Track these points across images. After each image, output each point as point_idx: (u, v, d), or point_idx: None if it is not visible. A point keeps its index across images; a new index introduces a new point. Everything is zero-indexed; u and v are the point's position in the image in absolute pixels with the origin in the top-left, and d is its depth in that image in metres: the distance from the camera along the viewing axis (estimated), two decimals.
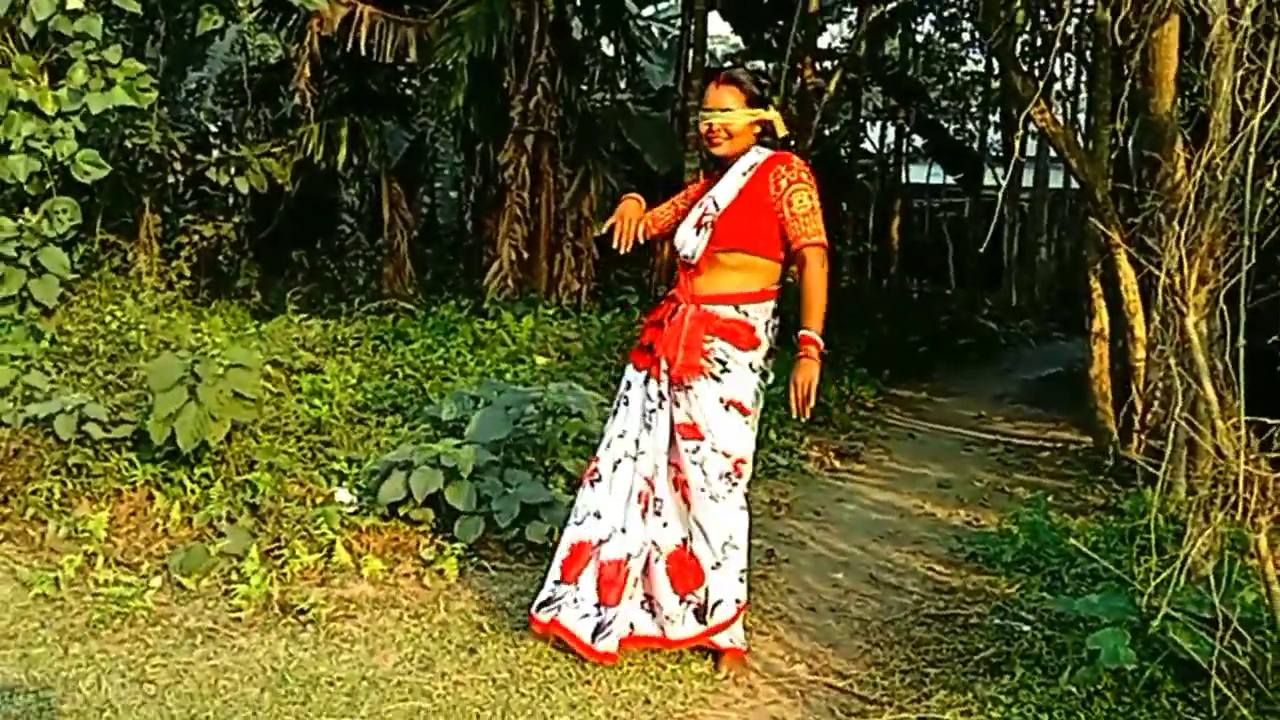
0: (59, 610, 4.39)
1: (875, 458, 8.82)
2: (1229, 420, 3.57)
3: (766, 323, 4.02)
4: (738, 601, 4.07)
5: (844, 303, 15.82)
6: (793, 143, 4.14)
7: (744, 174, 4.02)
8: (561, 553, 4.16)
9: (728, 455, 3.97)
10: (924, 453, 9.17)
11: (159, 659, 3.99)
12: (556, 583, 4.13)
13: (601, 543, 4.07)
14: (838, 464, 8.34)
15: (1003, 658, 4.30)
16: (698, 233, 4.04)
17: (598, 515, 4.11)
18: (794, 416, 3.86)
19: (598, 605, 4.05)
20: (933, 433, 10.24)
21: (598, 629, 4.03)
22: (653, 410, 4.10)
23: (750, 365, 3.99)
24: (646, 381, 4.13)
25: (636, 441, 4.12)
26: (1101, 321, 8.93)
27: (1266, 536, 3.40)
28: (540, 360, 9.05)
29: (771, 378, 4.11)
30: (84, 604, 4.43)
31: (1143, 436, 7.62)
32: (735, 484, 4.00)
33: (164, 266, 10.05)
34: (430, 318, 10.68)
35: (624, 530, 4.08)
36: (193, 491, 5.41)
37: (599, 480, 4.15)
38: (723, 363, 3.95)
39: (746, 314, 3.98)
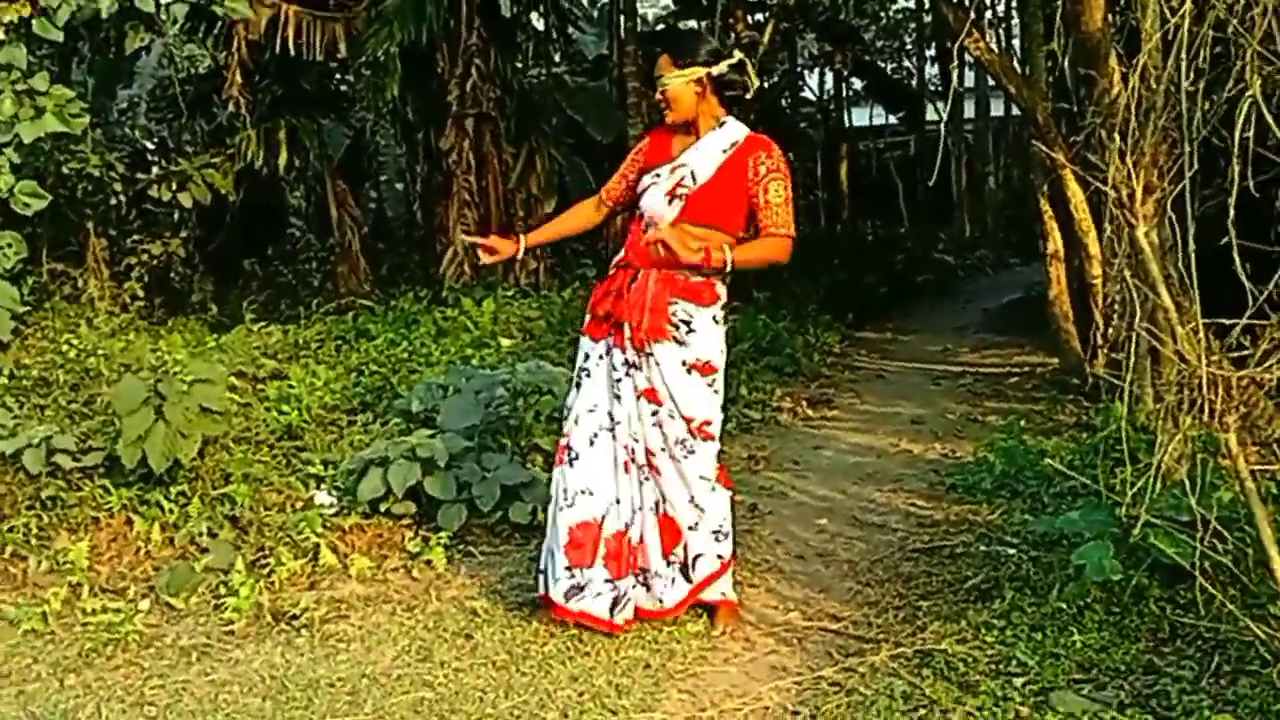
0: (50, 644, 4.36)
1: (847, 402, 8.87)
2: (1188, 326, 3.61)
3: (724, 277, 4.05)
4: (719, 557, 4.10)
5: (800, 252, 15.87)
6: (751, 90, 4.11)
7: (724, 151, 4.00)
8: (562, 538, 4.05)
9: (689, 419, 3.98)
10: (894, 392, 9.24)
11: (156, 680, 3.98)
12: (570, 568, 4.04)
13: (603, 518, 4.07)
14: (811, 412, 8.39)
15: (991, 583, 4.36)
16: (669, 202, 4.03)
17: (589, 493, 4.06)
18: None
19: (608, 580, 4.07)
20: (901, 371, 10.31)
21: (614, 603, 4.06)
22: (618, 380, 4.08)
23: (714, 319, 4.02)
24: (609, 351, 4.11)
25: (610, 414, 4.10)
26: (1055, 243, 9.01)
27: (1235, 435, 3.45)
28: (505, 342, 9.05)
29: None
30: (74, 635, 4.40)
31: (1106, 351, 7.69)
32: (695, 449, 4.00)
33: (116, 289, 9.96)
34: (390, 312, 10.63)
35: (618, 501, 4.08)
36: (171, 511, 5.38)
37: (577, 458, 4.10)
38: (687, 323, 3.96)
39: (705, 274, 3.99)
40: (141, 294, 10.06)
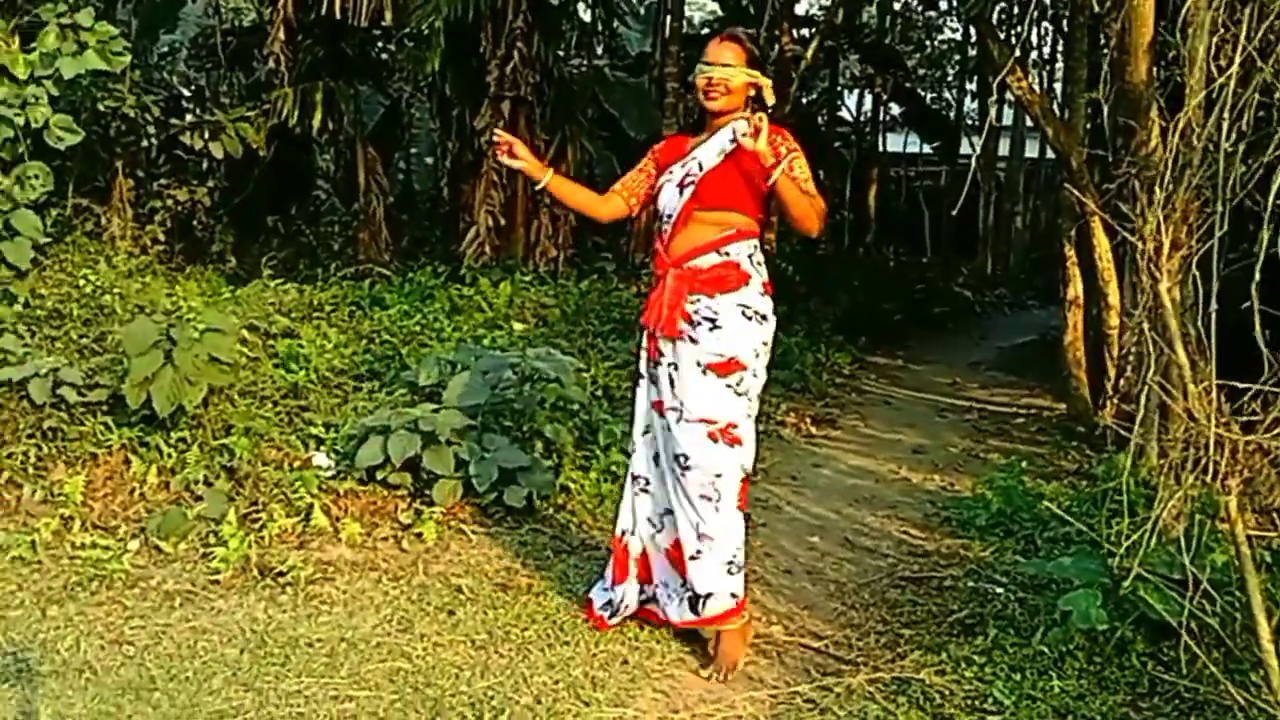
0: (36, 573, 4.38)
1: (851, 424, 8.87)
2: (1200, 385, 3.60)
3: (750, 255, 3.91)
4: (734, 596, 3.88)
5: (820, 270, 15.86)
6: (769, 109, 4.10)
7: (732, 140, 3.92)
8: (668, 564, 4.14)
9: (708, 421, 3.84)
10: (899, 419, 9.23)
11: (137, 621, 4.00)
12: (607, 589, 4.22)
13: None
14: (814, 430, 8.39)
15: (976, 619, 4.36)
16: (680, 192, 4.02)
17: (670, 513, 4.07)
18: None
19: (610, 585, 4.17)
20: (908, 399, 10.30)
21: (608, 604, 4.16)
22: (645, 385, 4.11)
23: (743, 311, 3.87)
24: (646, 366, 4.11)
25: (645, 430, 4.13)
26: (1076, 289, 8.99)
27: (1236, 499, 3.45)
28: (518, 326, 9.05)
29: (771, 323, 3.96)
30: (61, 567, 4.43)
31: (1116, 402, 7.69)
32: (693, 464, 3.84)
33: (138, 231, 10.00)
34: (407, 283, 10.63)
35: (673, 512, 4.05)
36: (169, 455, 5.40)
37: (648, 484, 4.15)
38: (710, 319, 3.86)
39: (728, 254, 3.89)
40: (163, 238, 10.09)
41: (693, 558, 3.90)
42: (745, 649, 4.01)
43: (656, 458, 4.07)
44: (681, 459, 3.88)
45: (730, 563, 3.88)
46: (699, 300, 3.89)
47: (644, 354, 4.09)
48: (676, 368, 3.92)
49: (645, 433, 4.08)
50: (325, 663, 3.74)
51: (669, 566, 4.05)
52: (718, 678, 3.83)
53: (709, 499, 3.85)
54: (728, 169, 3.94)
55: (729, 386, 3.86)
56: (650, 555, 4.11)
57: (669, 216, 4.02)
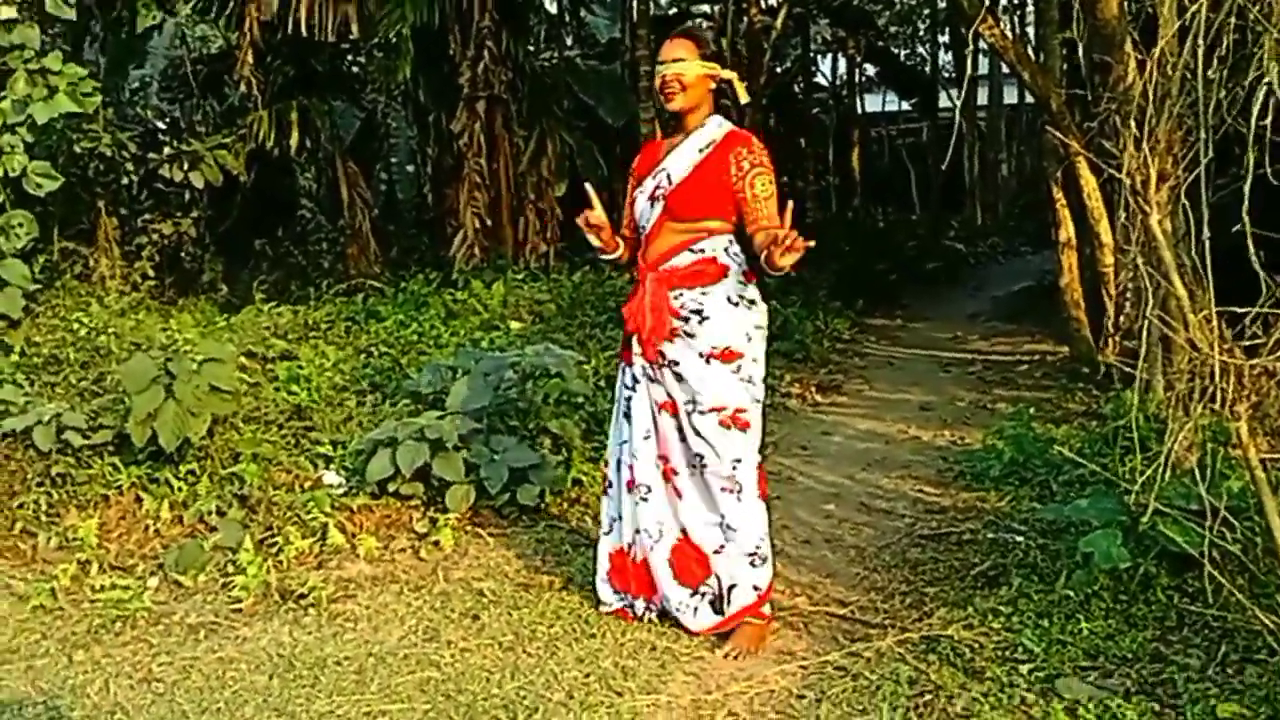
0: (59, 620, 4.38)
1: (856, 388, 8.86)
2: (1200, 314, 3.59)
3: (725, 248, 3.90)
4: (756, 589, 3.89)
5: (811, 237, 15.83)
6: (745, 84, 4.08)
7: (701, 150, 3.92)
8: (604, 565, 4.20)
9: (719, 409, 3.83)
10: (904, 378, 9.22)
11: (164, 657, 3.99)
12: (618, 593, 4.19)
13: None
14: (820, 398, 8.38)
15: (999, 570, 4.36)
16: (652, 205, 4.00)
17: (619, 518, 4.14)
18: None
19: (618, 590, 4.18)
20: (911, 358, 10.29)
21: (625, 601, 4.18)
22: (629, 397, 4.06)
23: (729, 300, 3.87)
24: (623, 371, 4.11)
25: (625, 439, 4.10)
26: (1067, 231, 8.98)
27: (1246, 424, 3.44)
28: (514, 325, 9.05)
29: (763, 308, 3.97)
30: (83, 611, 4.42)
31: (1118, 339, 7.68)
32: (709, 461, 3.85)
33: (126, 269, 9.98)
34: (400, 294, 10.64)
35: (620, 518, 4.13)
36: (180, 489, 5.40)
37: (610, 486, 4.19)
38: (697, 312, 3.86)
39: (703, 250, 3.89)
40: (152, 273, 10.07)
41: (716, 552, 3.90)
42: (761, 644, 3.91)
43: (619, 465, 4.11)
44: (700, 457, 3.87)
45: (754, 554, 3.88)
46: (681, 294, 3.88)
47: (637, 360, 4.01)
48: (678, 363, 3.89)
49: (647, 438, 4.00)
50: (355, 680, 3.74)
51: (672, 578, 3.97)
52: (734, 656, 3.84)
53: (730, 491, 3.86)
54: (695, 180, 3.91)
55: (734, 373, 3.86)
56: (654, 568, 4.00)
57: (643, 228, 4.05)
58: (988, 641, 3.69)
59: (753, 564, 3.88)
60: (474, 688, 3.63)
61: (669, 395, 3.93)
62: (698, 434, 3.86)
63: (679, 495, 3.94)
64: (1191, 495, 3.70)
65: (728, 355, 3.86)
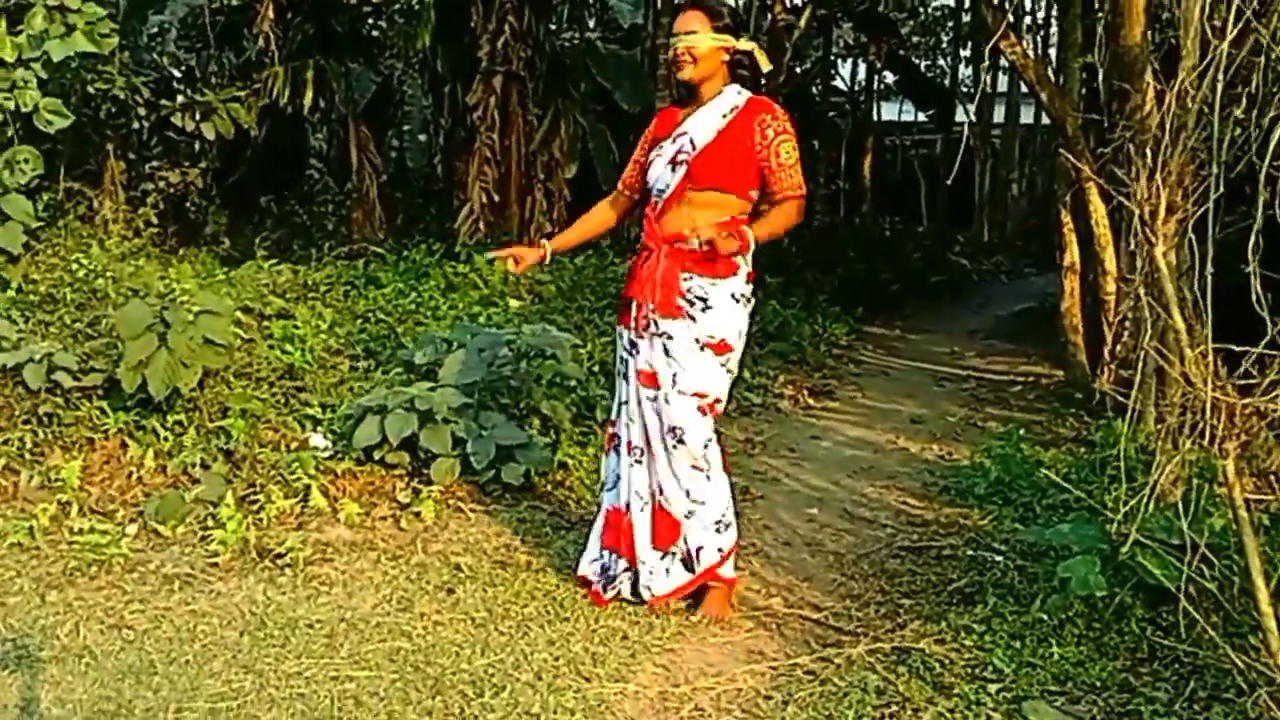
0: (35, 559, 4.38)
1: (849, 395, 8.86)
2: (1197, 349, 3.59)
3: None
4: (720, 550, 4.04)
5: (816, 241, 15.83)
6: (764, 81, 4.09)
7: (724, 115, 3.95)
8: (599, 521, 4.25)
9: (701, 395, 3.91)
10: (897, 389, 9.22)
11: (137, 605, 4.00)
12: (604, 550, 4.21)
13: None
14: (812, 401, 8.38)
15: (976, 587, 4.36)
16: (673, 170, 3.99)
17: (620, 478, 4.17)
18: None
19: (601, 551, 4.19)
20: (906, 369, 10.29)
21: (603, 571, 4.17)
22: (626, 359, 4.10)
23: (733, 295, 3.91)
24: (621, 334, 4.14)
25: (625, 399, 4.13)
26: (1072, 256, 8.98)
27: (1234, 463, 3.44)
28: (513, 303, 9.03)
29: (750, 306, 4.04)
30: (60, 552, 4.43)
31: (1113, 368, 7.68)
32: (685, 437, 3.92)
33: (130, 214, 9.95)
34: (401, 262, 10.61)
35: (618, 478, 4.16)
36: (166, 439, 5.39)
37: (618, 445, 4.19)
38: (703, 299, 3.89)
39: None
40: (155, 221, 10.03)
41: (687, 515, 4.01)
42: (728, 610, 4.09)
43: (629, 425, 4.13)
44: (676, 431, 3.93)
45: (719, 521, 4.05)
46: (692, 278, 3.91)
47: (631, 324, 4.06)
48: (671, 339, 3.93)
49: (639, 405, 4.07)
50: (325, 643, 3.74)
51: (648, 541, 4.06)
52: (707, 620, 3.99)
53: (700, 469, 3.98)
54: (720, 146, 3.93)
55: (722, 365, 3.95)
56: (636, 530, 4.08)
57: (660, 192, 4.02)
58: (958, 658, 3.69)
59: (718, 530, 4.05)
60: (443, 661, 3.63)
61: (651, 366, 3.98)
62: (674, 413, 3.93)
63: (654, 458, 4.04)
64: (1173, 529, 3.70)
65: (722, 347, 3.93)
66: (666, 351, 3.94)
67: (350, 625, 3.88)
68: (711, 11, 3.97)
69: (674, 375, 3.93)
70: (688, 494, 3.99)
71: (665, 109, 4.28)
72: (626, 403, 4.12)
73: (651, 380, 3.98)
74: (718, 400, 3.98)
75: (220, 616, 3.93)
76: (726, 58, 3.98)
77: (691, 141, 3.96)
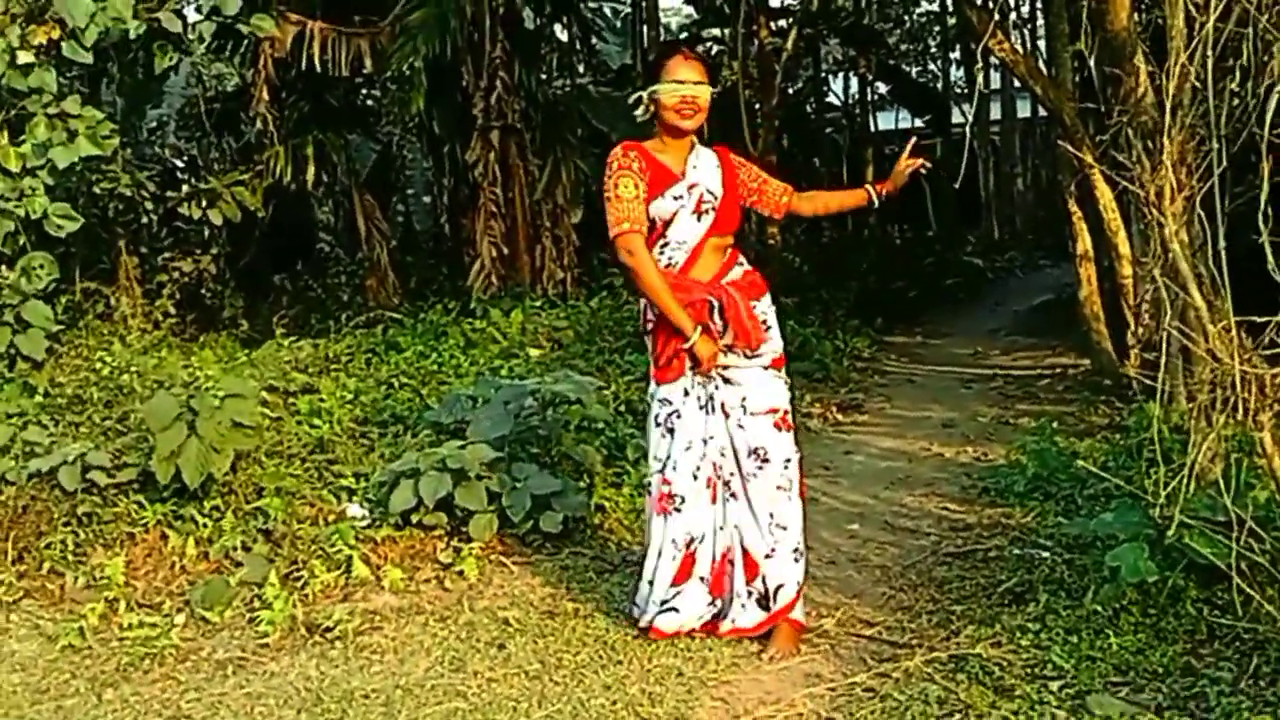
0: (87, 659, 4.39)
1: (877, 406, 8.84)
2: (1220, 324, 3.58)
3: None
4: (798, 584, 4.05)
5: (827, 257, 15.83)
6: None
7: (718, 167, 4.13)
8: (669, 576, 4.06)
9: (774, 410, 4.04)
10: (925, 395, 9.20)
11: (193, 694, 4.00)
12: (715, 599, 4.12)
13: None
14: (841, 417, 8.37)
15: (1026, 586, 4.33)
16: (699, 219, 4.04)
17: (700, 539, 4.07)
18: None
19: (668, 588, 4.10)
20: (931, 375, 10.27)
21: (664, 606, 4.08)
22: (673, 412, 4.07)
23: (775, 311, 4.17)
24: (693, 385, 4.05)
25: (704, 440, 4.04)
26: (1085, 244, 8.96)
27: (1270, 434, 3.42)
28: (533, 352, 9.07)
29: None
30: (111, 650, 4.44)
31: (1138, 351, 7.64)
32: (770, 456, 3.98)
33: (148, 307, 10.05)
34: (419, 324, 10.67)
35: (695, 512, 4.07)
36: (205, 525, 5.41)
37: (684, 502, 4.03)
38: (764, 319, 4.07)
39: (742, 264, 4.16)
40: (173, 311, 10.14)
41: (768, 555, 4.00)
42: (798, 646, 4.04)
43: (696, 474, 4.08)
44: (760, 452, 4.00)
45: (797, 550, 4.06)
46: (755, 304, 4.06)
47: (688, 374, 4.02)
48: (728, 368, 4.03)
49: (689, 449, 4.04)
50: (383, 713, 3.74)
51: (742, 574, 4.05)
52: (777, 658, 3.94)
53: (783, 489, 4.03)
54: (729, 195, 4.12)
55: (779, 378, 4.12)
56: (731, 564, 4.07)
57: (681, 243, 4.03)
58: (1016, 659, 3.67)
59: (795, 560, 4.05)
60: (501, 718, 3.63)
61: (723, 399, 4.05)
62: (753, 434, 4.01)
63: (735, 497, 4.06)
64: (1217, 507, 3.68)
65: (780, 362, 4.14)
66: (728, 382, 4.04)
67: (405, 691, 3.88)
68: (708, 63, 4.16)
69: (742, 399, 4.02)
70: (771, 522, 4.00)
71: (635, 145, 4.11)
72: (714, 437, 4.03)
73: (725, 412, 4.06)
74: (786, 412, 4.08)
75: (276, 696, 3.93)
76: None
77: (710, 192, 4.07)
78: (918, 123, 24.64)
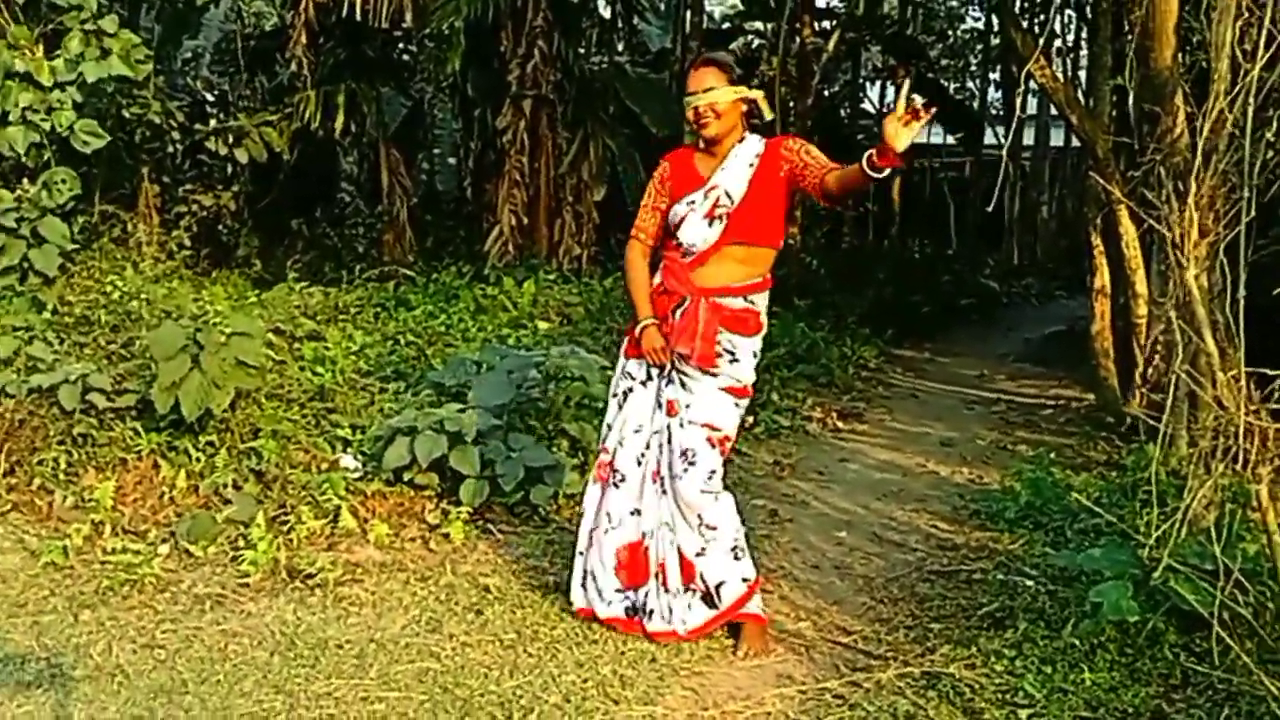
0: (68, 578, 4.42)
1: (878, 417, 8.84)
2: (1229, 372, 3.57)
3: (767, 307, 4.11)
4: (745, 580, 4.01)
5: (845, 264, 15.80)
6: (791, 104, 4.13)
7: (751, 165, 4.00)
8: (609, 561, 4.08)
9: (711, 427, 3.96)
10: (927, 412, 9.19)
11: (168, 624, 4.02)
12: (621, 590, 4.09)
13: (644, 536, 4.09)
14: (840, 424, 8.36)
15: (1006, 612, 4.33)
16: (710, 224, 4.01)
17: (637, 513, 4.09)
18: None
19: (625, 589, 4.10)
20: (935, 392, 10.26)
21: (632, 608, 4.09)
22: (629, 389, 4.14)
23: (753, 352, 4.05)
24: (650, 371, 4.10)
25: (653, 432, 4.09)
26: (1103, 278, 8.93)
27: (1267, 487, 3.41)
28: (542, 325, 9.07)
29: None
30: (93, 572, 4.46)
31: (1144, 391, 7.63)
32: (697, 459, 3.93)
33: (164, 236, 10.07)
34: (431, 284, 10.68)
35: (640, 512, 4.09)
36: (198, 459, 5.44)
37: (623, 480, 4.10)
38: (730, 353, 3.99)
39: (754, 303, 4.04)
40: (188, 243, 10.16)
41: (699, 554, 4.00)
42: (767, 643, 4.04)
43: (641, 458, 4.11)
44: (689, 453, 3.96)
45: (734, 548, 4.02)
46: (723, 333, 3.99)
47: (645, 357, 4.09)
48: (688, 377, 4.01)
49: (638, 431, 4.09)
50: (355, 664, 3.75)
51: (678, 575, 4.02)
52: (747, 656, 3.95)
53: (709, 492, 3.97)
54: (754, 197, 3.98)
55: (736, 405, 4.05)
56: (669, 561, 4.03)
57: (693, 246, 4.03)
58: (989, 683, 3.67)
59: (735, 556, 4.01)
60: (472, 683, 3.64)
61: (675, 396, 4.04)
62: (686, 437, 3.97)
63: (664, 494, 4.05)
64: (1206, 554, 3.67)
65: (742, 392, 4.06)
66: (683, 386, 4.02)
67: (379, 646, 3.90)
68: (725, 66, 4.03)
69: (687, 405, 4.00)
70: (700, 522, 3.97)
71: (676, 153, 4.25)
72: (658, 431, 4.08)
73: (671, 408, 4.03)
74: (726, 438, 4.02)
75: (251, 636, 3.95)
76: (745, 107, 4.03)
77: (728, 195, 3.99)
78: (950, 139, 24.62)
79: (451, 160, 20.20)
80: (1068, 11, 15.09)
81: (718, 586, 3.98)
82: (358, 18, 11.92)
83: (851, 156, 3.82)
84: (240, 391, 5.61)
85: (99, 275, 8.28)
